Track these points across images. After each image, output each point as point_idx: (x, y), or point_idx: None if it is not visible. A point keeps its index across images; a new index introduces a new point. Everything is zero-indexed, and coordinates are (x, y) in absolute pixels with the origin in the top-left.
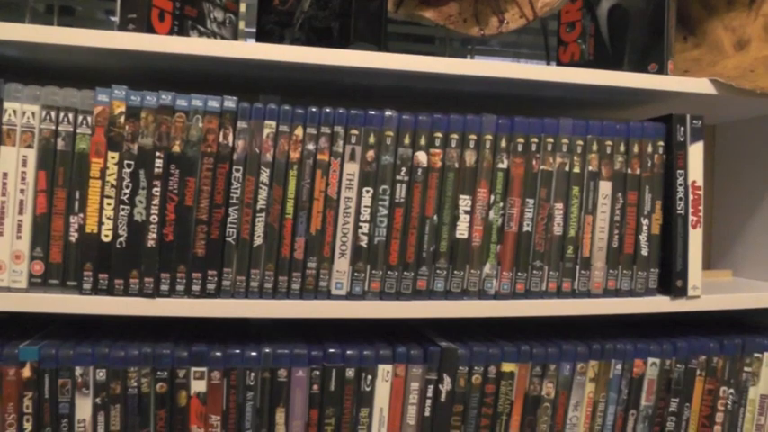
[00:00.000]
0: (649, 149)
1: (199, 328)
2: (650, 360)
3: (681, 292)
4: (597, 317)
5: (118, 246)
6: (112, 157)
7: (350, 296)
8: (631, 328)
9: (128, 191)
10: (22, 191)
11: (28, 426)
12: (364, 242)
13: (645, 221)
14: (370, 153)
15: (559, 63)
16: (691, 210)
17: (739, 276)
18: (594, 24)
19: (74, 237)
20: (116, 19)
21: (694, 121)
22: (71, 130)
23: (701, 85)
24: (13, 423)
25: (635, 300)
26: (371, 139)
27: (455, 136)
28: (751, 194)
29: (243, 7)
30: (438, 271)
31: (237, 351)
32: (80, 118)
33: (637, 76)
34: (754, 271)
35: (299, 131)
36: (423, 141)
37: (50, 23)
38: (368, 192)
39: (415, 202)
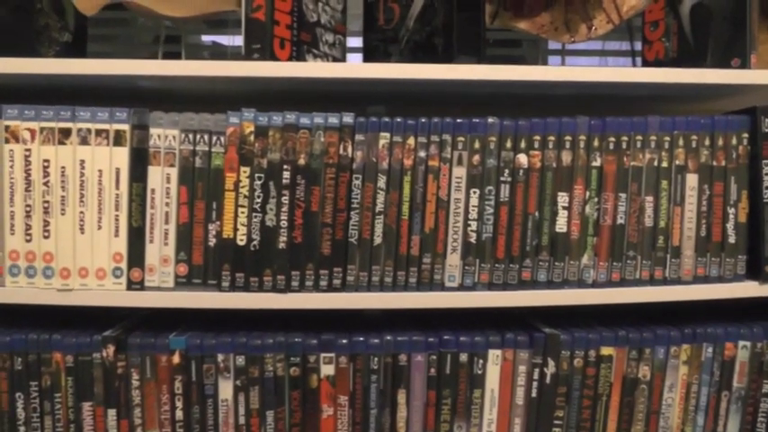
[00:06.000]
0: (734, 141)
1: (319, 320)
2: (741, 343)
3: None
4: (690, 303)
5: (252, 248)
6: (244, 172)
7: (462, 288)
8: (727, 314)
9: (259, 200)
10: (167, 204)
11: (179, 404)
12: (473, 238)
13: (731, 210)
14: (476, 157)
15: (645, 61)
16: None
17: None
18: (677, 22)
19: (212, 242)
20: (242, 47)
21: None
22: (207, 149)
23: None
24: (167, 402)
25: (724, 285)
26: (476, 145)
27: (552, 138)
28: None
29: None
30: (541, 263)
31: (362, 339)
32: (214, 138)
33: (719, 72)
34: None
35: (410, 141)
36: (523, 144)
37: (156, 52)
38: (475, 193)
39: (517, 200)
